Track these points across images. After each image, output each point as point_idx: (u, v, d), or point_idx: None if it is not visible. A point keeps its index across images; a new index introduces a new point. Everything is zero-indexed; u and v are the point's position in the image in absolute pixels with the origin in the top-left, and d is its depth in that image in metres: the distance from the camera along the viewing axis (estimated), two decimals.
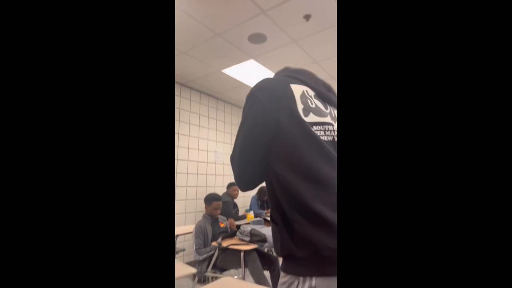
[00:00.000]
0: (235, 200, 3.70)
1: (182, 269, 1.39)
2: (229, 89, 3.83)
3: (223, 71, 3.16)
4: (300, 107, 0.60)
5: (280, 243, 0.59)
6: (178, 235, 2.68)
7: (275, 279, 2.18)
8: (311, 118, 0.60)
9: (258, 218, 2.99)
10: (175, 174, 3.43)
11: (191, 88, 3.78)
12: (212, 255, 2.27)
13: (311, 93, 0.65)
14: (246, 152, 0.63)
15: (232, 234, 2.40)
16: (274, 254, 2.50)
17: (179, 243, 3.02)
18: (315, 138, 0.58)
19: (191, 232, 2.55)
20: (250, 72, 3.17)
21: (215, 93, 4.02)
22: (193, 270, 1.38)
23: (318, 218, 0.52)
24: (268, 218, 3.06)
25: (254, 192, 4.41)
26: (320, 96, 0.67)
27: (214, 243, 2.30)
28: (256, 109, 0.62)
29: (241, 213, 3.89)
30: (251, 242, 2.16)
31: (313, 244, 0.52)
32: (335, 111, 0.69)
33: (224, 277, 1.26)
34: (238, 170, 0.66)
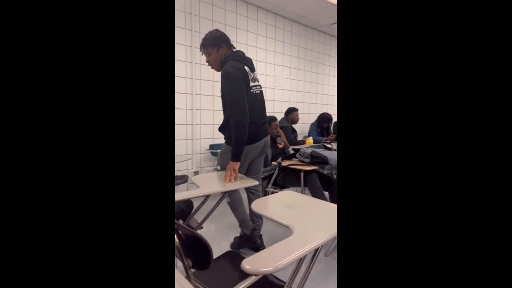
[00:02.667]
0: (294, 126, 3.64)
1: (245, 182, 1.46)
2: (287, 1, 3.33)
3: None
4: (250, 78, 1.56)
5: None
6: None
7: (334, 199, 2.20)
8: (251, 83, 1.57)
9: (317, 145, 2.93)
10: None
11: (247, 3, 3.42)
12: (272, 174, 2.36)
13: (247, 69, 1.57)
14: (244, 99, 1.49)
15: (291, 156, 2.41)
16: (335, 177, 2.48)
17: None
18: (254, 93, 1.60)
19: None
20: None
21: (273, 7, 3.57)
22: (254, 182, 1.43)
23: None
24: (328, 145, 2.96)
25: (313, 118, 4.25)
26: (250, 69, 1.60)
27: (274, 163, 2.37)
28: (238, 81, 1.47)
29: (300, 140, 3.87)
30: (311, 163, 2.14)
31: None
32: (255, 74, 1.65)
33: (285, 191, 1.27)
34: (243, 108, 1.48)
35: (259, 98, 1.65)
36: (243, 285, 0.64)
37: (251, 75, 1.58)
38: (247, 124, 1.48)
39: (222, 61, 1.62)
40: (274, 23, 3.78)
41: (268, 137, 1.74)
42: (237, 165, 1.50)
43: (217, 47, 1.59)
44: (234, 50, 1.65)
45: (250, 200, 1.81)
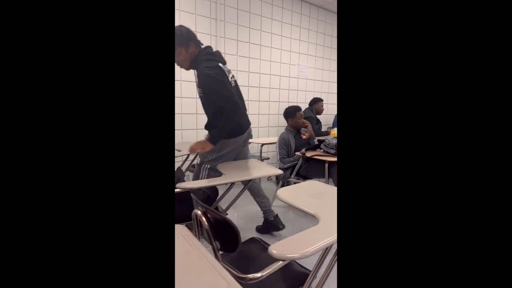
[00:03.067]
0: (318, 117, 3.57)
1: (268, 170, 1.47)
2: None
3: None
4: (225, 71, 1.57)
5: None
6: (263, 144, 2.85)
7: None
8: (228, 75, 1.59)
9: None
10: (259, 88, 3.43)
11: None
12: (296, 164, 2.35)
13: (221, 64, 1.56)
14: (234, 94, 1.54)
15: (315, 147, 2.38)
16: None
17: (264, 153, 3.26)
18: (232, 85, 1.61)
19: (274, 143, 2.66)
20: None
21: None
22: (279, 171, 1.43)
23: None
24: None
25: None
26: (222, 63, 1.59)
27: (297, 153, 2.36)
28: (221, 79, 1.50)
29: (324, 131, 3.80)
30: (336, 155, 2.10)
31: None
32: (226, 66, 1.64)
33: (309, 181, 1.26)
34: (235, 103, 1.51)
35: (237, 89, 1.66)
36: (269, 270, 0.65)
37: (225, 68, 1.58)
38: (240, 116, 1.54)
39: (192, 60, 1.55)
40: (300, 10, 3.68)
41: (251, 127, 1.77)
42: (209, 146, 1.53)
43: (185, 46, 1.50)
44: (202, 46, 1.58)
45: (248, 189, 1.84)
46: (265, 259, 0.95)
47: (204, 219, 0.76)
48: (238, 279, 0.66)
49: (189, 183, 1.26)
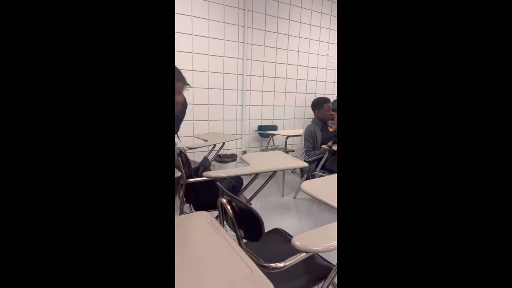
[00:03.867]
0: None
1: (293, 162, 1.46)
2: None
3: None
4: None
5: None
6: (288, 136, 2.83)
7: None
8: None
9: None
10: (286, 79, 3.38)
11: None
12: (321, 157, 2.31)
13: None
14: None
15: None
16: None
17: (288, 145, 3.24)
18: None
19: (299, 135, 2.63)
20: None
21: None
22: (304, 164, 1.42)
23: None
24: None
25: None
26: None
27: (324, 146, 2.31)
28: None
29: None
30: None
31: None
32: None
33: (335, 175, 1.23)
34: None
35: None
36: (292, 261, 0.65)
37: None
38: None
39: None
40: None
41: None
42: None
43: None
44: None
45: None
46: (288, 250, 0.96)
47: (229, 207, 0.78)
48: (261, 267, 0.67)
49: (214, 172, 1.29)
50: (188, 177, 1.40)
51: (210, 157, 2.39)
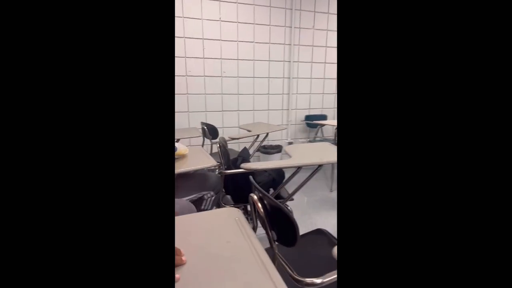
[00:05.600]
0: None
1: None
2: None
3: None
4: None
5: None
6: None
7: None
8: None
9: None
10: (336, 65, 3.10)
11: None
12: None
13: None
14: None
15: None
16: None
17: None
18: None
19: None
20: None
21: None
22: None
23: None
24: None
25: None
26: None
27: None
28: None
29: None
30: None
31: None
32: None
33: None
34: None
35: None
36: (333, 277, 0.53)
37: None
38: None
39: None
40: None
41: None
42: None
43: None
44: None
45: None
46: (331, 259, 0.82)
47: (259, 205, 0.68)
48: (293, 279, 0.56)
49: (253, 164, 1.21)
50: (226, 169, 1.35)
51: (253, 149, 2.33)
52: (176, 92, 2.61)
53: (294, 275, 0.55)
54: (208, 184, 1.34)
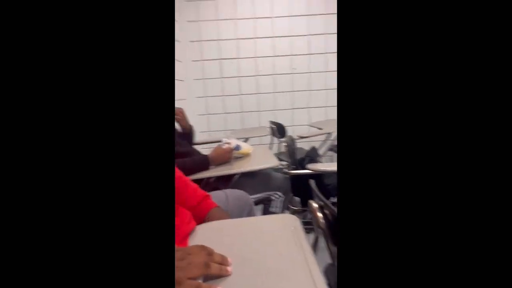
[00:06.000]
0: None
1: None
2: None
3: None
4: None
5: None
6: None
7: None
8: None
9: None
10: None
11: None
12: None
13: None
14: None
15: None
16: None
17: None
18: None
19: None
20: None
21: None
22: None
23: None
24: None
25: None
26: None
27: None
28: None
29: None
30: None
31: None
32: None
33: None
34: None
35: None
36: None
37: None
38: None
39: None
40: None
41: None
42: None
43: None
44: None
45: None
46: None
47: (319, 215, 0.59)
48: None
49: (321, 165, 1.11)
50: (294, 169, 1.29)
51: (324, 149, 2.18)
52: (244, 92, 2.69)
53: None
54: (274, 184, 1.30)
